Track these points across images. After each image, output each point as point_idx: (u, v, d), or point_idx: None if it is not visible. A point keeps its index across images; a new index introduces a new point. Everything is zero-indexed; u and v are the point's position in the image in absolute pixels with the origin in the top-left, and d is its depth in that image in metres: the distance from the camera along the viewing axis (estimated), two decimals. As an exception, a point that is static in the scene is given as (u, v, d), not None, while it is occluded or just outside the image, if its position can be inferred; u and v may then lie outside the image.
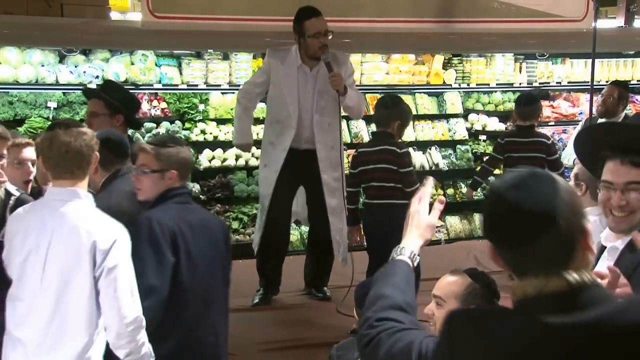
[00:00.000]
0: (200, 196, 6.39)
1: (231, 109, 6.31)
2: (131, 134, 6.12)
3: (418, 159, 7.03)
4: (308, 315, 4.88)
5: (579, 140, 2.34)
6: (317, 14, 4.72)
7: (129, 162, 3.37)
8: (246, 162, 6.67)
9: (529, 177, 1.42)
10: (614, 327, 1.31)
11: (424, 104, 7.41)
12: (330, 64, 4.70)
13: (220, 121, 6.70)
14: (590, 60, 5.99)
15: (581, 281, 1.37)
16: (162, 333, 2.85)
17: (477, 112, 7.53)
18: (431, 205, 1.88)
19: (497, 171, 6.00)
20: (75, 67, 6.23)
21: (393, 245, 1.85)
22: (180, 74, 6.61)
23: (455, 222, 7.23)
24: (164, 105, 6.59)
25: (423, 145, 7.26)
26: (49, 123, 6.01)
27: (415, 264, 1.81)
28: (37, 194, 3.28)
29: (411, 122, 7.31)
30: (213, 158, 6.61)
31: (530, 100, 5.66)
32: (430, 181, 1.98)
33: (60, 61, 6.31)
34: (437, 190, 7.02)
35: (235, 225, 6.42)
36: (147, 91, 6.53)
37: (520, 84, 7.65)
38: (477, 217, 7.14)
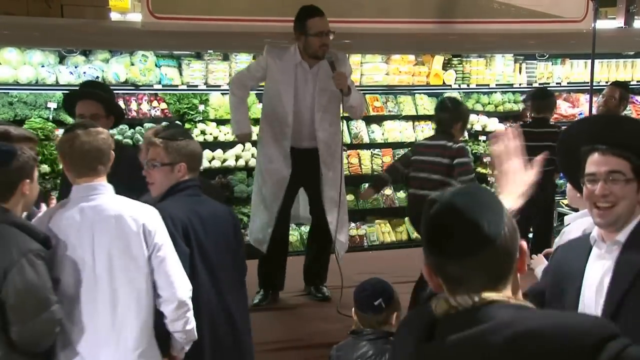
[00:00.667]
0: (200, 196, 6.38)
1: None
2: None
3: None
4: (308, 316, 4.88)
5: (561, 150, 2.38)
6: (320, 14, 4.69)
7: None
8: (246, 162, 6.68)
9: (477, 191, 1.48)
10: (480, 347, 1.34)
11: (423, 104, 7.41)
12: (334, 63, 4.69)
13: (220, 122, 6.70)
14: (590, 61, 5.99)
15: (465, 304, 1.40)
16: None
17: (477, 112, 7.52)
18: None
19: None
20: (76, 67, 6.24)
21: None
22: (180, 74, 6.62)
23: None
24: (164, 105, 6.60)
25: (423, 146, 7.26)
26: (50, 124, 6.05)
27: None
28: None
29: (411, 123, 7.37)
30: (213, 159, 6.61)
31: (545, 94, 6.01)
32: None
33: (61, 62, 6.32)
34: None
35: (235, 225, 6.42)
36: (147, 92, 6.54)
37: (520, 84, 7.66)
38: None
